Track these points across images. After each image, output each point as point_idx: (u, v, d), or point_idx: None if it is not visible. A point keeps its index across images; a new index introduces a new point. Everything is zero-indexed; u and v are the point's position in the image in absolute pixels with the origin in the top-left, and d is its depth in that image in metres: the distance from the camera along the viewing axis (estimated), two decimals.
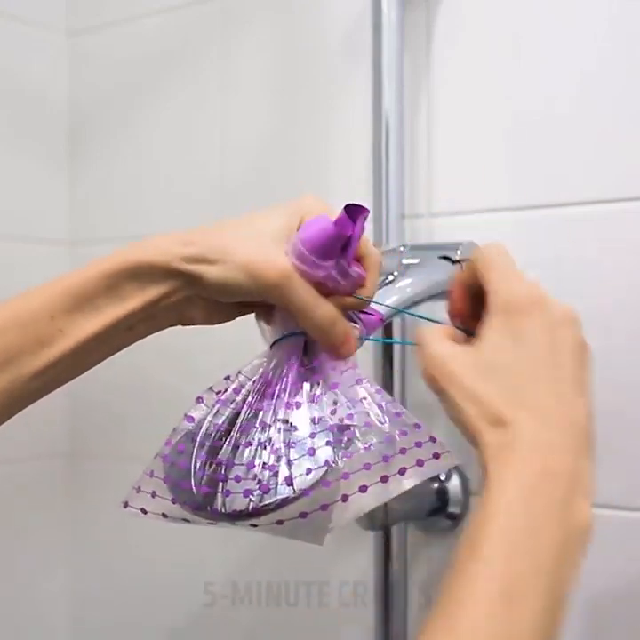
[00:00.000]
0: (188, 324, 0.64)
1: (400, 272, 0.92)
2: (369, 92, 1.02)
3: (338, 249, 0.61)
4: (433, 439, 0.61)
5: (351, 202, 0.60)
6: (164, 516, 0.62)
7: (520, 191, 0.99)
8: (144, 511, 0.63)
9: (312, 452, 0.59)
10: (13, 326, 0.60)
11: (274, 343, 0.65)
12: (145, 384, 1.24)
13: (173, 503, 0.62)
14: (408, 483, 0.59)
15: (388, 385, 0.99)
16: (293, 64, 1.15)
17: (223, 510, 0.59)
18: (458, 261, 0.93)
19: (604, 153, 0.94)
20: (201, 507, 0.60)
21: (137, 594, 1.24)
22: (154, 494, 0.63)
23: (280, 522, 0.58)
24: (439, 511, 1.01)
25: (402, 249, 0.98)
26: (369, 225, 0.89)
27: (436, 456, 0.60)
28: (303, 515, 0.58)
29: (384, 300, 0.82)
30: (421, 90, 1.04)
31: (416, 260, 0.95)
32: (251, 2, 1.18)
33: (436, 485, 1.03)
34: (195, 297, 0.62)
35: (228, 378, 0.65)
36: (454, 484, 1.02)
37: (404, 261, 0.96)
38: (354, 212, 0.60)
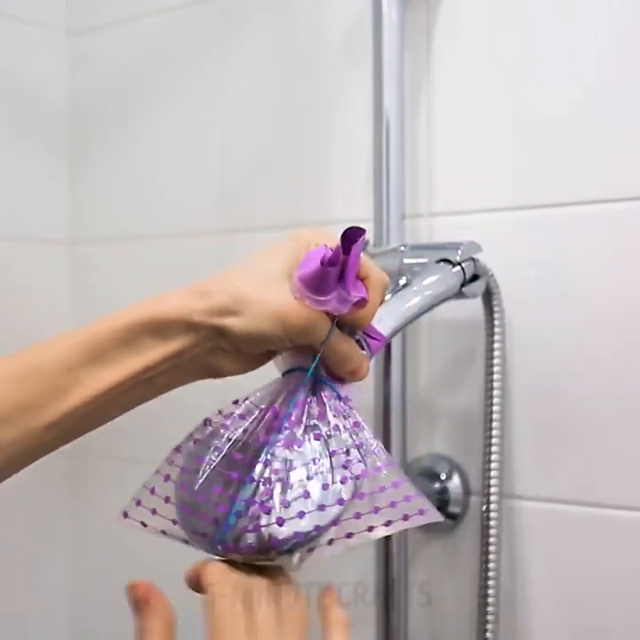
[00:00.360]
0: (218, 376, 0.63)
1: (408, 279, 0.92)
2: (369, 92, 1.01)
3: (334, 281, 0.60)
4: (419, 494, 0.61)
5: (349, 226, 0.60)
6: (164, 533, 0.62)
7: (521, 191, 0.98)
8: (144, 525, 0.63)
9: (326, 486, 0.59)
10: (32, 376, 0.59)
11: (285, 373, 0.65)
12: None
13: (174, 524, 0.62)
14: (391, 531, 0.60)
15: (386, 390, 0.99)
16: (293, 64, 1.15)
17: (226, 542, 0.59)
18: (458, 263, 0.92)
19: (605, 153, 0.93)
20: (204, 535, 0.60)
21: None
22: (154, 511, 0.62)
23: (291, 554, 0.59)
24: (439, 511, 0.90)
25: (402, 249, 0.97)
26: (369, 225, 0.98)
27: (421, 512, 0.60)
28: (311, 550, 0.59)
29: (392, 314, 0.83)
30: (422, 89, 1.04)
31: (417, 260, 0.95)
32: (251, 2, 1.18)
33: (436, 485, 1.02)
34: (220, 348, 0.61)
35: (236, 402, 0.65)
36: (455, 483, 1.02)
37: (406, 261, 0.96)
38: (350, 236, 0.59)
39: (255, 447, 0.60)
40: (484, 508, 0.93)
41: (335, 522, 0.58)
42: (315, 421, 0.61)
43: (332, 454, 0.59)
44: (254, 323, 0.59)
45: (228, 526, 0.58)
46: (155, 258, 1.26)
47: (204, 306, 0.60)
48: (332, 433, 0.60)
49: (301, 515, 0.57)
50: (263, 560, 0.59)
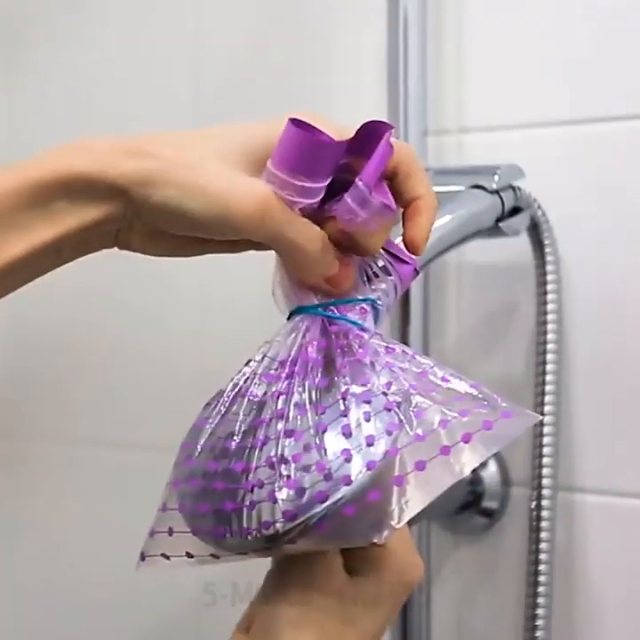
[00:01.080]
0: (123, 249, 0.61)
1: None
2: None
3: (330, 160, 0.55)
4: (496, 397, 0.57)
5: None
6: (189, 555, 0.59)
7: (576, 100, 0.93)
8: (166, 556, 0.60)
9: (371, 440, 0.54)
10: None
11: (290, 315, 0.61)
12: (99, 350, 1.22)
13: (194, 535, 0.58)
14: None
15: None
16: None
17: (251, 527, 0.55)
18: (496, 191, 0.87)
19: None
20: (224, 531, 0.56)
21: (137, 593, 1.19)
22: (171, 531, 0.60)
23: (350, 509, 0.53)
24: (471, 506, 0.97)
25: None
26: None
27: (507, 414, 0.55)
28: (375, 494, 0.53)
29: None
30: None
31: (443, 188, 0.90)
32: None
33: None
34: (136, 222, 0.59)
35: (247, 363, 0.60)
36: (490, 472, 0.97)
37: None
38: (374, 129, 0.56)
39: (273, 406, 0.57)
40: (534, 503, 0.88)
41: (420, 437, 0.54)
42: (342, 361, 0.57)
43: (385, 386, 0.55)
44: (184, 197, 0.55)
45: (252, 504, 0.54)
46: None
47: (131, 167, 0.56)
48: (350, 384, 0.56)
49: (347, 455, 0.53)
50: (297, 535, 0.54)
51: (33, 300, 1.25)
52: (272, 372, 0.58)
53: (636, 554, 0.91)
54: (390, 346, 0.58)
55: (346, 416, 0.55)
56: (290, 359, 0.58)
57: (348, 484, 0.52)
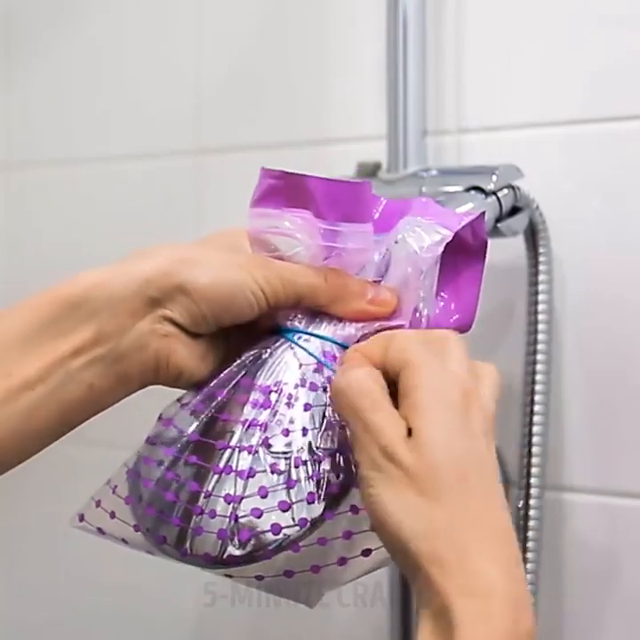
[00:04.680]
0: (169, 375, 0.60)
1: None
2: None
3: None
4: None
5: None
6: (125, 542, 0.59)
7: (575, 101, 0.93)
8: (101, 531, 0.60)
9: (312, 498, 0.54)
10: None
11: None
12: None
13: (135, 531, 0.59)
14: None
15: None
16: None
17: (191, 551, 0.55)
18: (493, 192, 0.87)
19: None
20: (166, 542, 0.57)
21: (137, 593, 1.22)
22: (113, 515, 0.60)
23: (260, 577, 0.55)
24: None
25: (423, 174, 0.93)
26: (382, 144, 0.95)
27: None
28: (289, 573, 0.55)
29: None
30: None
31: (442, 188, 0.90)
32: None
33: None
34: (170, 325, 0.59)
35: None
36: None
37: (427, 189, 0.91)
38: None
39: (231, 430, 0.57)
40: (522, 502, 0.89)
41: (346, 534, 0.55)
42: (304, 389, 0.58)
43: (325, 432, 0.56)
44: (222, 271, 0.57)
45: (199, 530, 0.55)
46: (103, 186, 1.23)
47: (144, 267, 0.57)
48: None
49: (303, 523, 0.54)
50: (250, 576, 0.56)
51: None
52: (257, 396, 0.58)
53: (624, 552, 0.91)
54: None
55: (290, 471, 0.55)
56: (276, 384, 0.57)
57: (284, 543, 0.53)
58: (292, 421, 0.56)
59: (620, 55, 0.90)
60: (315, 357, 0.59)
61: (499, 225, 0.87)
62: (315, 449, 0.56)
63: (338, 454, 0.56)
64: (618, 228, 0.90)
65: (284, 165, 1.03)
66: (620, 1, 0.90)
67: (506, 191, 0.87)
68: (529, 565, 0.88)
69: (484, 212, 0.61)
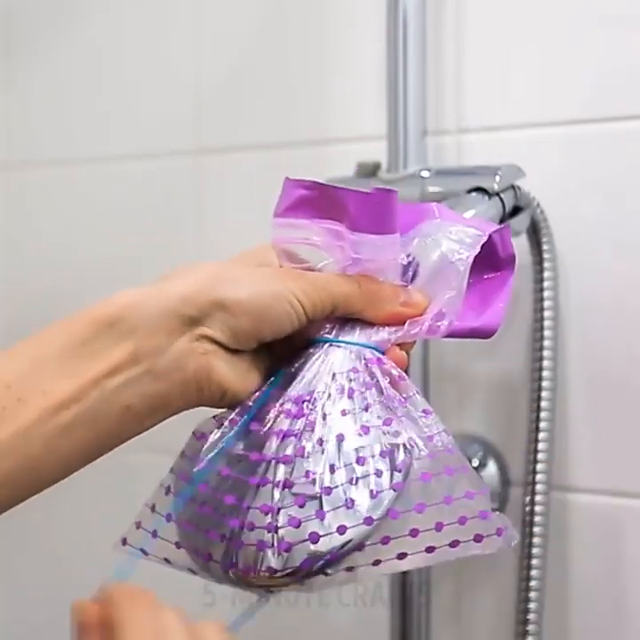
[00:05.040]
0: (211, 394, 0.60)
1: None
2: None
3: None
4: (495, 510, 0.57)
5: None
6: (167, 561, 0.60)
7: (575, 101, 0.92)
8: (144, 552, 0.60)
9: (351, 503, 0.54)
10: None
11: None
12: None
13: (177, 548, 0.59)
14: (454, 554, 0.55)
15: None
16: None
17: (234, 565, 0.55)
18: (496, 193, 0.86)
19: None
20: (212, 559, 0.57)
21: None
22: (155, 534, 0.60)
23: (301, 582, 0.55)
24: None
25: (424, 174, 0.93)
26: (382, 144, 0.95)
27: (499, 532, 0.55)
28: (326, 573, 0.54)
29: None
30: None
31: (443, 189, 0.91)
32: None
33: None
34: (208, 342, 0.59)
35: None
36: (490, 472, 0.96)
37: (428, 190, 0.91)
38: None
39: (276, 443, 0.57)
40: (527, 499, 0.88)
41: (385, 540, 0.54)
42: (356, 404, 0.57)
43: (384, 453, 0.55)
44: (259, 285, 0.57)
45: (239, 544, 0.55)
46: (103, 186, 1.22)
47: (179, 286, 0.57)
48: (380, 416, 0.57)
49: (342, 530, 0.53)
50: (281, 586, 0.55)
51: (34, 300, 1.24)
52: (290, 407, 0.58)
53: (630, 553, 0.91)
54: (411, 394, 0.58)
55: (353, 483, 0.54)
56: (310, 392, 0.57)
57: (331, 555, 0.53)
58: (327, 429, 0.56)
59: (621, 55, 0.90)
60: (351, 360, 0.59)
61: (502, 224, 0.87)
62: (354, 454, 0.56)
63: (373, 459, 0.56)
64: (618, 228, 0.90)
65: (284, 165, 1.06)
66: (620, 1, 0.90)
67: (508, 191, 0.87)
68: (535, 565, 0.87)
69: (509, 225, 0.61)
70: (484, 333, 0.63)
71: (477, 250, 0.60)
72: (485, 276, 0.62)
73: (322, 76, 1.06)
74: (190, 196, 1.10)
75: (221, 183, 1.08)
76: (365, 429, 0.55)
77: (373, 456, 0.55)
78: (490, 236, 0.61)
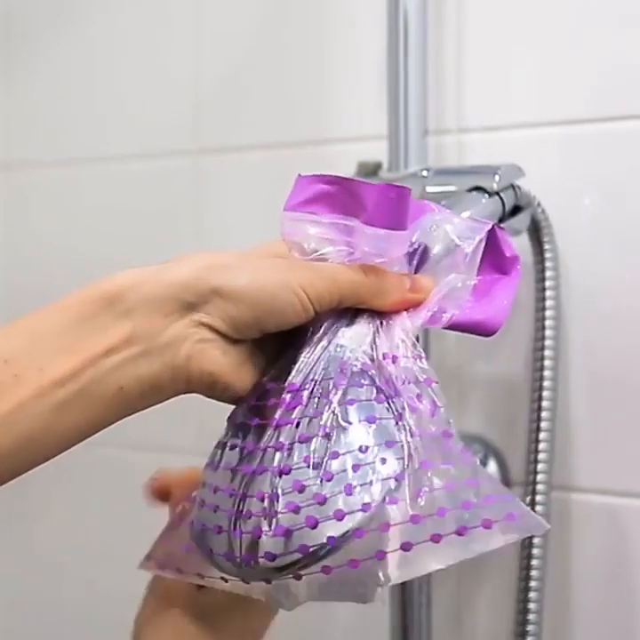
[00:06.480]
0: (206, 384, 0.59)
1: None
2: None
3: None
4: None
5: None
6: (200, 576, 0.59)
7: (575, 100, 0.92)
8: (180, 571, 0.61)
9: (350, 490, 0.53)
10: None
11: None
12: None
13: (192, 550, 0.59)
14: (496, 541, 0.54)
15: None
16: None
17: (237, 554, 0.54)
18: (496, 192, 0.86)
19: None
20: (211, 550, 0.56)
21: (137, 594, 1.22)
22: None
23: (327, 570, 0.53)
24: None
25: (424, 174, 0.92)
26: (382, 143, 0.95)
27: (509, 517, 0.55)
28: (354, 563, 0.52)
29: None
30: None
31: (443, 188, 0.90)
32: None
33: None
34: (206, 329, 0.59)
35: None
36: (491, 472, 0.95)
37: (428, 189, 0.90)
38: None
39: (273, 432, 0.56)
40: (528, 499, 0.88)
41: (415, 518, 0.53)
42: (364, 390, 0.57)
43: (387, 443, 0.54)
44: (260, 273, 0.57)
45: (238, 533, 0.54)
46: (103, 186, 1.22)
47: (179, 271, 0.57)
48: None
49: (340, 516, 0.52)
50: (280, 572, 0.54)
51: (33, 300, 1.29)
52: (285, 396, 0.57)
53: (631, 553, 0.91)
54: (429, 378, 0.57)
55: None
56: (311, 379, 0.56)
57: (332, 542, 0.52)
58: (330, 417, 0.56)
59: (621, 55, 0.90)
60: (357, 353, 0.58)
61: (502, 225, 0.83)
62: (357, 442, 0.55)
63: (378, 447, 0.55)
64: (619, 227, 0.90)
65: (283, 165, 1.05)
66: (619, 1, 0.90)
67: (508, 190, 0.86)
68: (534, 565, 0.87)
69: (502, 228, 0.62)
70: (486, 328, 0.62)
71: (484, 235, 0.60)
72: (490, 277, 0.62)
73: (322, 76, 1.06)
74: (190, 196, 1.10)
75: (221, 183, 1.08)
76: (372, 419, 0.55)
77: (377, 445, 0.54)
78: (495, 236, 0.60)
